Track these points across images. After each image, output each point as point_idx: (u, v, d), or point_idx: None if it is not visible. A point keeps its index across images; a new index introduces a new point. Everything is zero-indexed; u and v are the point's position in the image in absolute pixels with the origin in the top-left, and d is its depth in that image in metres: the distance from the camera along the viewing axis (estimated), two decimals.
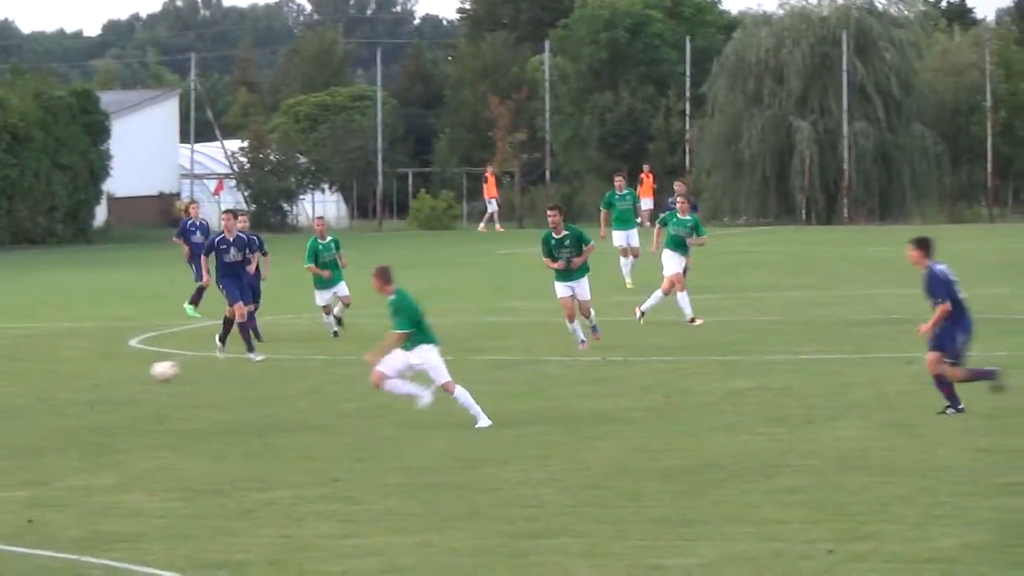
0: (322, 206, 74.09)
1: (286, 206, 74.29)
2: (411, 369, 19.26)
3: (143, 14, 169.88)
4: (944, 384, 18.31)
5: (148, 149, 75.51)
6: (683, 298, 29.64)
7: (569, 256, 26.18)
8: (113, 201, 72.83)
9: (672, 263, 29.95)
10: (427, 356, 19.11)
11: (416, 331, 19.19)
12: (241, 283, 26.97)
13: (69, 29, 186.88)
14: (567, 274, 26.51)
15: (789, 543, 12.22)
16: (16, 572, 12.49)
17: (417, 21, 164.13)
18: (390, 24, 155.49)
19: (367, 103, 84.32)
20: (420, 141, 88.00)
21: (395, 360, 18.90)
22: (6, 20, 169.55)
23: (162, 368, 22.14)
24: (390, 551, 12.35)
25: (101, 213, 72.00)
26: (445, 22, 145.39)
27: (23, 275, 52.87)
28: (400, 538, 12.80)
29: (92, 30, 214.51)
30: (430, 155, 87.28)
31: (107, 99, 74.12)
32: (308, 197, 77.79)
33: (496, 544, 12.29)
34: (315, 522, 13.85)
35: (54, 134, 66.56)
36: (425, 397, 19.25)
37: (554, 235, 26.71)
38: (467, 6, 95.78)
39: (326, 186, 78.95)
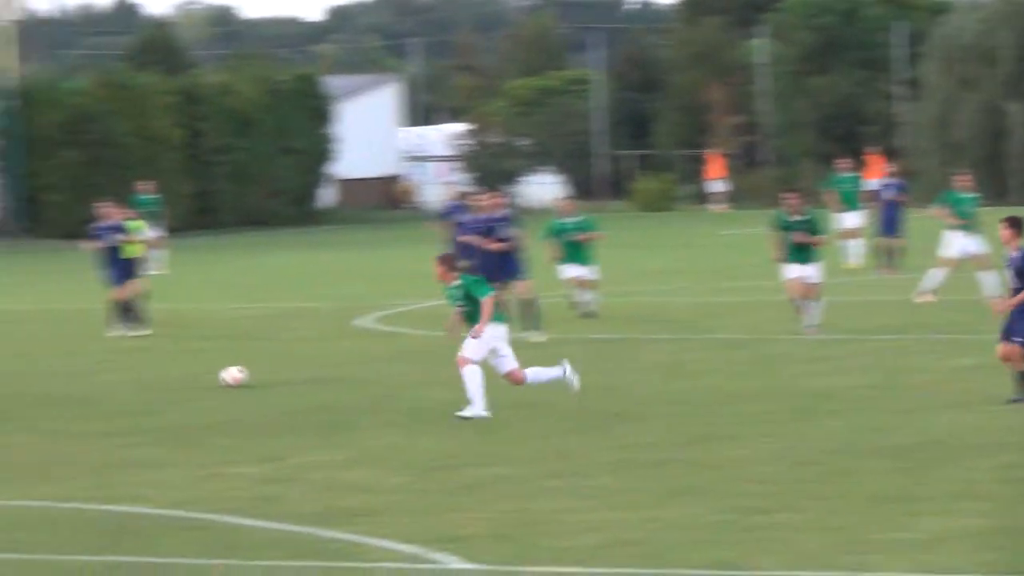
0: (543, 187, 75.97)
1: (508, 188, 76.25)
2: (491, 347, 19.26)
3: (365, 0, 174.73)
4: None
5: (371, 133, 77.61)
6: (936, 275, 29.92)
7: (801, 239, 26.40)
8: (338, 183, 75.12)
9: (958, 244, 30.31)
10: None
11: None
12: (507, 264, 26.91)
13: (291, 15, 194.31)
14: (799, 255, 26.53)
15: (1015, 519, 12.24)
16: (255, 544, 12.87)
17: (632, 6, 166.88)
18: (604, 9, 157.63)
19: (584, 87, 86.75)
20: (637, 124, 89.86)
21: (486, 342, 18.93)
22: (229, 7, 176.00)
23: (229, 374, 22.34)
24: (616, 526, 12.48)
25: (326, 195, 73.89)
26: (659, 6, 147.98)
27: (252, 257, 54.45)
28: (626, 513, 12.92)
29: (314, 16, 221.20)
30: (647, 138, 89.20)
31: (331, 84, 76.25)
32: (528, 179, 79.50)
33: (721, 520, 12.38)
34: (541, 498, 14.04)
35: (280, 119, 68.55)
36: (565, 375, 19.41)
37: (790, 216, 26.83)
38: None
39: (546, 168, 79.91)
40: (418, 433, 17.69)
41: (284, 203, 67.50)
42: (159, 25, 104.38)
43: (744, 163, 79.75)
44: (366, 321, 30.98)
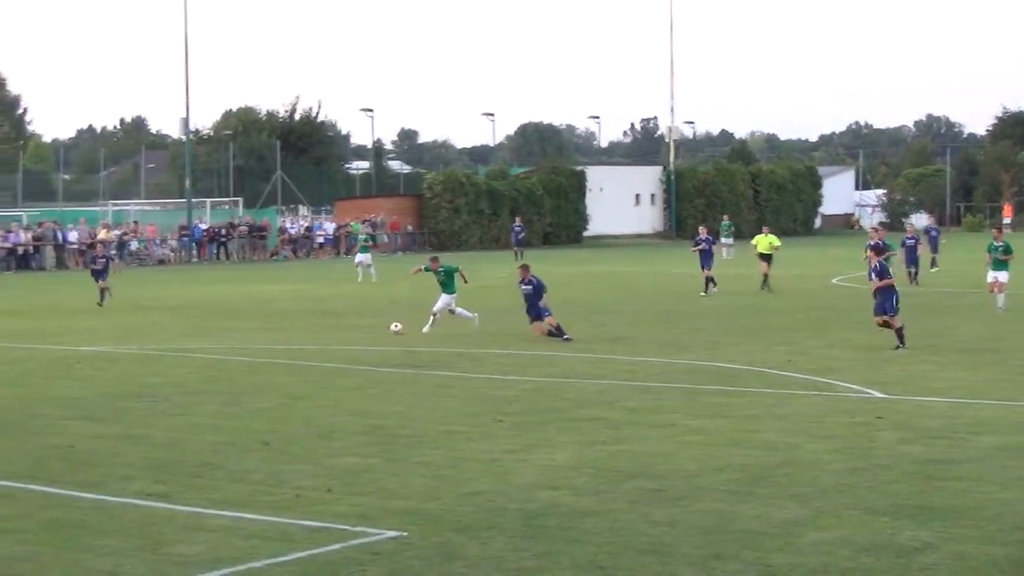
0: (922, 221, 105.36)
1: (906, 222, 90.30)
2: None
3: None
4: None
5: (842, 192, 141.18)
6: None
7: None
8: (823, 216, 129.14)
9: None
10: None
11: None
12: None
13: (802, 136, 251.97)
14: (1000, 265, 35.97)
15: None
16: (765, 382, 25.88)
17: None
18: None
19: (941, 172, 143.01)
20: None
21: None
22: (775, 134, 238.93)
23: (395, 327, 32.84)
24: None
25: (817, 221, 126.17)
26: None
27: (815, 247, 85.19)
28: None
29: (812, 137, 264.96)
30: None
31: (822, 171, 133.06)
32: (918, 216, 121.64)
33: None
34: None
35: (800, 188, 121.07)
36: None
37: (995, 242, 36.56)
38: None
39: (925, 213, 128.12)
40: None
41: (798, 225, 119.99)
42: (742, 143, 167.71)
43: None
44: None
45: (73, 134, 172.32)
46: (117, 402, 23.27)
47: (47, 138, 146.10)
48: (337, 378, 26.25)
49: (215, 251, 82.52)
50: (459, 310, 34.74)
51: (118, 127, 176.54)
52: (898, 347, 28.49)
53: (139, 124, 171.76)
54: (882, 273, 29.45)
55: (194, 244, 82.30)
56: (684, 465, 16.99)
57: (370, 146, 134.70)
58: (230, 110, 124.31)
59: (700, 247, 46.60)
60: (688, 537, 13.36)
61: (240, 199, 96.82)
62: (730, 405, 22.07)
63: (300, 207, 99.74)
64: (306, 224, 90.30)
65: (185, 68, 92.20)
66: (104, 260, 46.88)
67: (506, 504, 14.90)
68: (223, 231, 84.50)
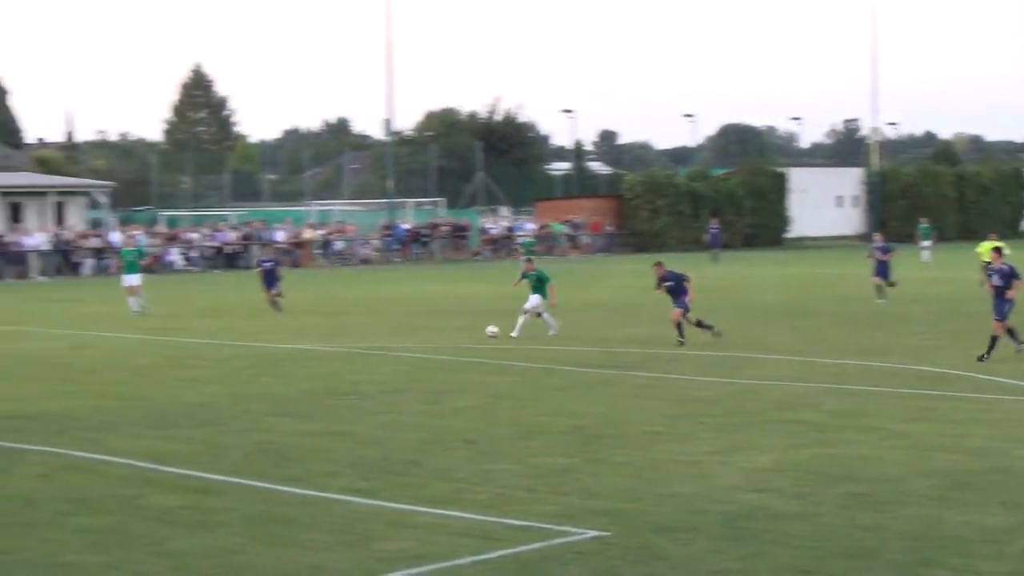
0: None
1: None
2: None
3: None
4: None
5: None
6: None
7: None
8: None
9: None
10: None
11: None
12: None
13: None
14: None
15: None
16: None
17: None
18: None
19: None
20: None
21: None
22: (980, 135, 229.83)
23: (489, 330, 33.74)
24: None
25: None
26: None
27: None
28: None
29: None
30: None
31: None
32: None
33: None
34: None
35: (1007, 189, 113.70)
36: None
37: None
38: None
39: None
40: None
41: (1004, 227, 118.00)
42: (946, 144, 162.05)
43: None
44: None
45: (279, 135, 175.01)
46: (322, 400, 23.66)
47: (253, 139, 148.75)
48: (539, 378, 26.36)
49: (418, 251, 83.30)
50: (545, 315, 34.42)
51: (322, 128, 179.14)
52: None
53: (342, 125, 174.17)
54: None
55: (397, 244, 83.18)
56: (889, 470, 16.77)
57: (570, 147, 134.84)
58: (432, 111, 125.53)
59: (875, 255, 45.28)
60: (894, 542, 13.19)
61: (442, 199, 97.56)
62: (935, 409, 21.75)
63: (500, 208, 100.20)
64: (507, 224, 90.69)
65: (388, 70, 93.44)
66: (271, 263, 44.04)
67: (707, 506, 14.84)
68: (425, 231, 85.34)
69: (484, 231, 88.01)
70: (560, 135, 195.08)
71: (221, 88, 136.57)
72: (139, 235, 73.95)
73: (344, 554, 13.06)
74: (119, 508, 15.16)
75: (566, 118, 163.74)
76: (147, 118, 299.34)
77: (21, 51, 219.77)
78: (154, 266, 70.65)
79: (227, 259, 74.46)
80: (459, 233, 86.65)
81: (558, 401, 23.15)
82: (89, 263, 70.64)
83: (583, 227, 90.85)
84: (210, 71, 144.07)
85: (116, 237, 73.16)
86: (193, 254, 74.41)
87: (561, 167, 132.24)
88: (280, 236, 78.08)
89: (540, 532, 13.72)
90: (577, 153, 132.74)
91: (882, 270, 44.48)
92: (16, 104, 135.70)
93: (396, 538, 13.62)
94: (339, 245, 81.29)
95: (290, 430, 20.42)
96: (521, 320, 33.85)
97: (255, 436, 19.85)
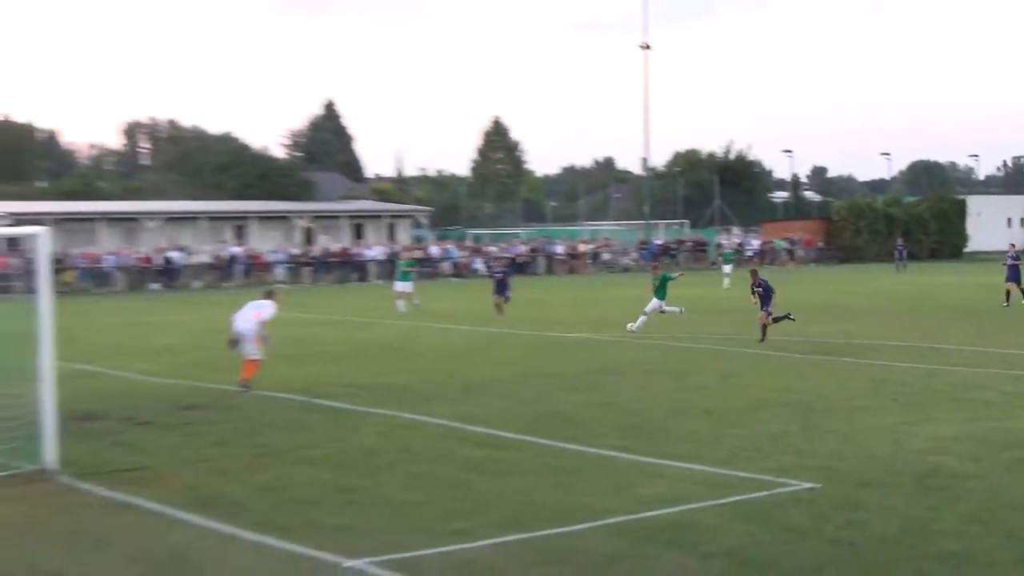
0: None
1: None
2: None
3: None
4: None
5: None
6: None
7: None
8: None
9: None
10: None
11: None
12: None
13: None
14: None
15: None
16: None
17: None
18: None
19: None
20: None
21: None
22: None
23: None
24: None
25: None
26: None
27: None
28: None
29: None
30: None
31: None
32: None
33: None
34: None
35: None
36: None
37: None
38: None
39: None
40: None
41: None
42: None
43: None
44: None
45: (559, 171, 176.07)
46: (594, 376, 23.76)
47: (539, 174, 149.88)
48: (762, 361, 26.04)
49: (667, 261, 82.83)
50: (667, 309, 33.60)
51: (593, 165, 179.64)
52: None
53: (609, 163, 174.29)
54: None
55: (650, 255, 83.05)
56: None
57: (789, 179, 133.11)
58: (679, 151, 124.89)
59: (1009, 263, 42.89)
60: None
61: (686, 220, 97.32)
62: None
63: (733, 227, 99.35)
64: (737, 240, 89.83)
65: (645, 118, 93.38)
66: (504, 272, 41.88)
67: (900, 466, 14.50)
68: (673, 245, 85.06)
69: (719, 245, 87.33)
70: (780, 169, 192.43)
71: (514, 134, 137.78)
72: (451, 248, 75.31)
73: (611, 496, 13.13)
74: (437, 458, 15.48)
75: (786, 156, 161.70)
76: (458, 158, 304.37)
77: (360, 104, 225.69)
78: (464, 272, 72.01)
79: (518, 267, 75.29)
80: (699, 247, 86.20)
81: (778, 380, 22.82)
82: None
83: (799, 243, 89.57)
84: (506, 120, 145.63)
85: (434, 250, 74.72)
86: (492, 263, 75.47)
87: (781, 195, 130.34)
88: (559, 249, 78.78)
89: (765, 483, 13.58)
90: (794, 184, 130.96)
91: (1013, 275, 42.11)
92: (359, 147, 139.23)
93: (651, 485, 13.64)
94: (605, 256, 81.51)
95: (569, 400, 20.56)
96: (641, 320, 32.86)
97: (542, 405, 20.05)
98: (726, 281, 56.29)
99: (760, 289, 31.01)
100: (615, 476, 14.18)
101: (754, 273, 32.21)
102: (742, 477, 13.92)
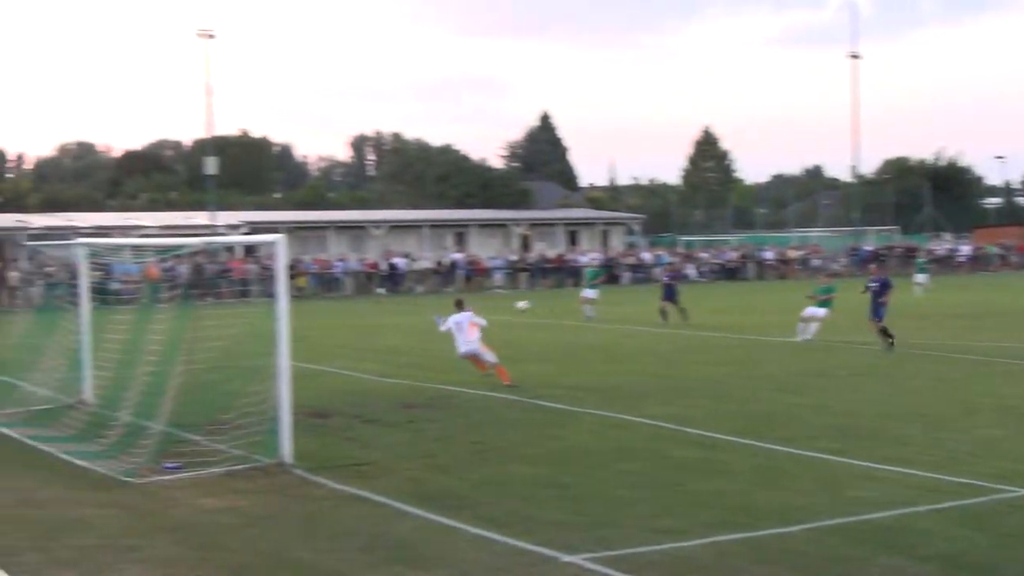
0: None
1: None
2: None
3: None
4: None
5: None
6: None
7: None
8: None
9: None
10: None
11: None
12: None
13: None
14: None
15: None
16: None
17: None
18: None
19: None
20: None
21: None
22: None
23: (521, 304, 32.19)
24: None
25: None
26: None
27: None
28: None
29: None
30: None
31: None
32: None
33: None
34: None
35: None
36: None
37: None
38: None
39: None
40: None
41: None
42: None
43: None
44: None
45: (768, 179, 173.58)
46: (803, 379, 23.30)
47: (748, 182, 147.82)
48: (977, 367, 25.10)
49: (873, 266, 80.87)
50: (813, 326, 31.05)
51: (802, 173, 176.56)
52: None
53: (817, 171, 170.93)
54: None
55: (859, 261, 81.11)
56: None
57: (1001, 185, 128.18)
58: (889, 159, 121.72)
59: None
60: None
61: (896, 227, 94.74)
62: None
63: (944, 233, 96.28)
64: (948, 246, 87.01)
65: (854, 127, 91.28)
66: (673, 277, 41.39)
67: None
68: (883, 251, 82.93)
69: (929, 251, 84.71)
70: (992, 176, 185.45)
71: (724, 144, 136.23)
72: (663, 255, 74.93)
73: (823, 498, 12.83)
74: (650, 457, 15.39)
75: (998, 163, 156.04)
76: (669, 167, 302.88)
77: (574, 116, 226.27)
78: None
79: (728, 273, 74.45)
80: (909, 253, 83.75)
81: (989, 385, 21.96)
82: (627, 275, 71.97)
83: (1012, 249, 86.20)
84: (716, 131, 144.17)
85: (647, 256, 74.43)
86: (703, 269, 74.71)
87: (993, 201, 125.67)
88: (769, 255, 77.65)
89: (980, 489, 13.07)
90: (1007, 190, 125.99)
91: None
92: (573, 157, 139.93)
93: (863, 488, 13.28)
94: (815, 262, 79.92)
95: (780, 401, 20.21)
96: (813, 326, 31.11)
97: (753, 406, 19.76)
98: (918, 290, 54.35)
99: (874, 286, 29.55)
100: (828, 478, 13.84)
101: (874, 267, 30.50)
102: (957, 482, 13.43)
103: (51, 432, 17.85)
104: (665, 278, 41.96)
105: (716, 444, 16.28)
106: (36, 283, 54.48)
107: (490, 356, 22.85)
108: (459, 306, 23.28)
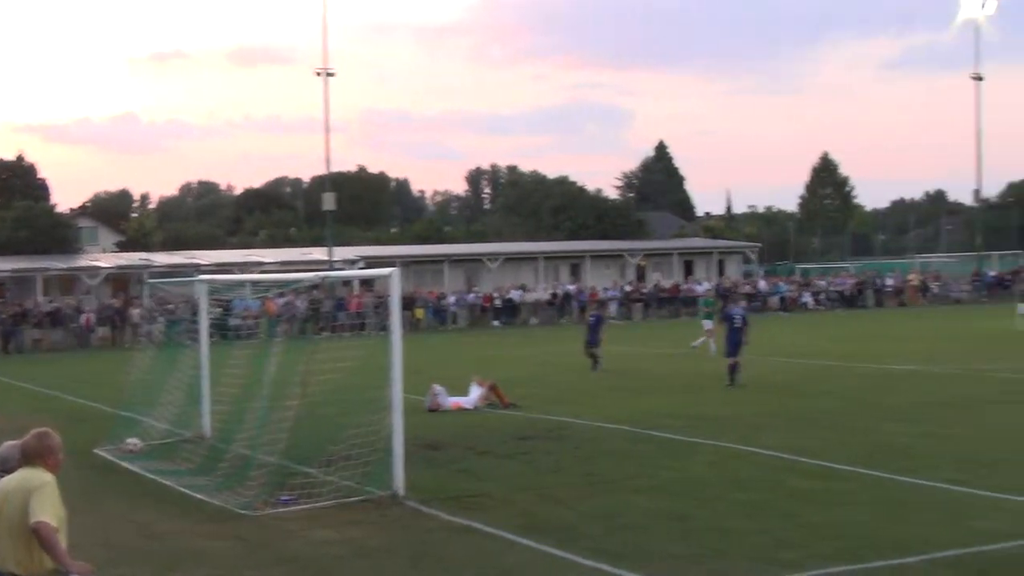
0: None
1: None
2: None
3: None
4: None
5: None
6: None
7: None
8: None
9: None
10: None
11: None
12: None
13: None
14: None
15: None
16: None
17: None
18: None
19: None
20: None
21: None
22: None
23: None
24: None
25: None
26: None
27: None
28: None
29: None
30: None
31: None
32: None
33: None
34: None
35: None
36: None
37: None
38: None
39: None
40: None
41: None
42: None
43: None
44: None
45: (887, 204, 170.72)
46: (925, 409, 22.77)
47: (868, 208, 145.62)
48: None
49: (1001, 293, 78.75)
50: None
51: (923, 198, 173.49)
52: None
53: (939, 196, 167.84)
54: None
55: (984, 287, 79.15)
56: None
57: None
58: (1014, 182, 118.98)
59: None
60: None
61: (1022, 251, 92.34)
62: None
63: None
64: None
65: (977, 152, 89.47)
66: (597, 319, 34.64)
67: None
68: (1008, 277, 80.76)
69: None
70: None
71: (843, 170, 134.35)
72: (779, 283, 74.00)
73: (946, 529, 12.48)
74: (767, 488, 15.14)
75: None
76: (786, 195, 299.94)
77: (692, 146, 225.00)
78: (791, 307, 70.59)
79: (847, 301, 73.19)
80: None
81: None
82: (743, 304, 71.21)
83: None
84: (835, 157, 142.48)
85: (763, 284, 73.58)
86: (820, 296, 73.60)
87: None
88: (889, 282, 76.17)
89: None
90: None
91: None
92: (689, 187, 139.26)
93: (988, 519, 12.89)
94: (936, 289, 78.23)
95: (900, 431, 19.76)
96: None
97: (873, 436, 19.35)
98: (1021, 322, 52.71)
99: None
100: (950, 509, 13.47)
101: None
102: None
103: (170, 465, 18.18)
104: (591, 319, 35.28)
105: (834, 474, 15.97)
106: (157, 320, 55.66)
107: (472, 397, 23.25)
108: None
